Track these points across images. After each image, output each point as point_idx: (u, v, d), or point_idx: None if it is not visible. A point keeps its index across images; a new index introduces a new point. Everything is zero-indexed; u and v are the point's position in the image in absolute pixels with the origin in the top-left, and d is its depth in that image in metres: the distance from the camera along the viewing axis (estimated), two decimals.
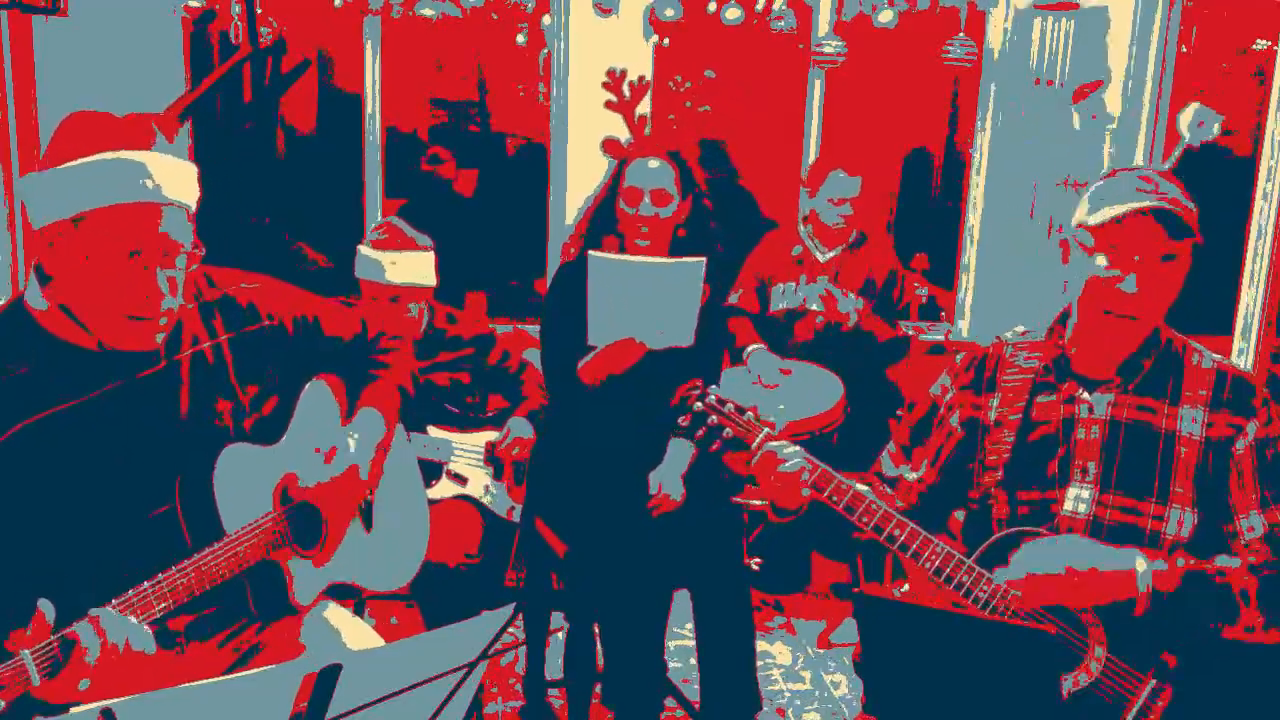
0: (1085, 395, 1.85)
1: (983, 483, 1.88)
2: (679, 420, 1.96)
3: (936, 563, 1.80)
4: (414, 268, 2.92)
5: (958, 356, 2.00)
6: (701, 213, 2.74)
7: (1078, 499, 1.81)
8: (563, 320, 2.71)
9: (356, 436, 1.93)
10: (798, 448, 1.87)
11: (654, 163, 2.69)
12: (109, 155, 1.57)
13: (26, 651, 1.40)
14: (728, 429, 1.91)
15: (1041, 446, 1.85)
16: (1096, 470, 1.81)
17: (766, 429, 1.90)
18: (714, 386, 1.94)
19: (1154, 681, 1.73)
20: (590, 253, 2.57)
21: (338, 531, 1.93)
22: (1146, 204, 1.72)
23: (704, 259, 2.59)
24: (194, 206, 1.67)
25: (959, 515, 1.93)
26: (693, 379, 1.97)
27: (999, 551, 1.80)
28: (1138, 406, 1.82)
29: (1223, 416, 1.79)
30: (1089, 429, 1.83)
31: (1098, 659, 1.77)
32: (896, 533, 1.81)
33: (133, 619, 1.51)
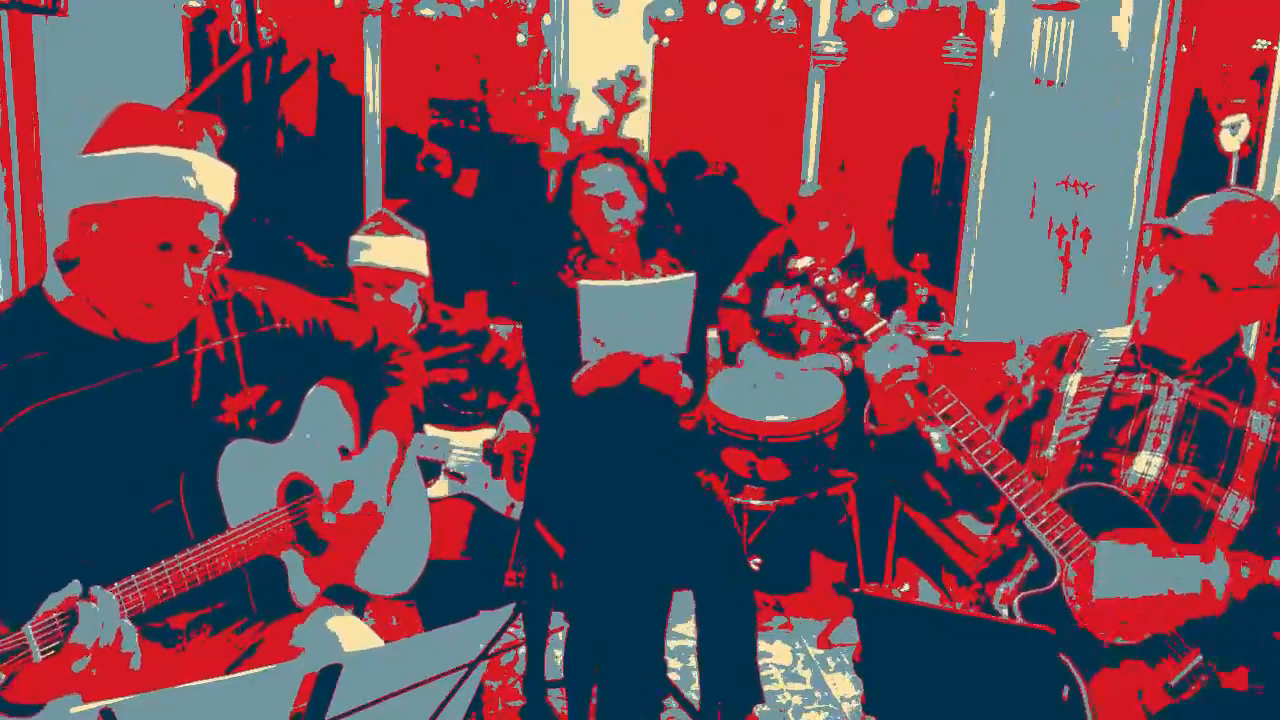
0: (1167, 379, 1.90)
1: (1060, 445, 1.92)
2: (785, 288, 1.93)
3: (1019, 493, 1.82)
4: (406, 252, 2.91)
5: (1038, 342, 2.06)
6: (656, 198, 2.74)
7: (1149, 463, 1.87)
8: (548, 338, 2.69)
9: (372, 467, 1.93)
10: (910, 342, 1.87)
11: (606, 167, 2.70)
12: (159, 149, 1.60)
13: (29, 626, 1.40)
14: (845, 309, 1.91)
15: (1117, 414, 1.91)
16: (1168, 444, 1.87)
17: (884, 320, 1.90)
18: (835, 270, 1.93)
19: (1200, 657, 1.76)
20: (581, 282, 2.55)
21: (344, 552, 1.94)
22: (1160, 224, 1.84)
23: (694, 275, 2.59)
24: (228, 210, 1.70)
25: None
26: (817, 259, 1.94)
27: (1067, 504, 1.83)
28: (1210, 400, 1.88)
29: None
30: (1166, 406, 1.89)
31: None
32: (989, 452, 1.83)
33: (126, 620, 1.50)
